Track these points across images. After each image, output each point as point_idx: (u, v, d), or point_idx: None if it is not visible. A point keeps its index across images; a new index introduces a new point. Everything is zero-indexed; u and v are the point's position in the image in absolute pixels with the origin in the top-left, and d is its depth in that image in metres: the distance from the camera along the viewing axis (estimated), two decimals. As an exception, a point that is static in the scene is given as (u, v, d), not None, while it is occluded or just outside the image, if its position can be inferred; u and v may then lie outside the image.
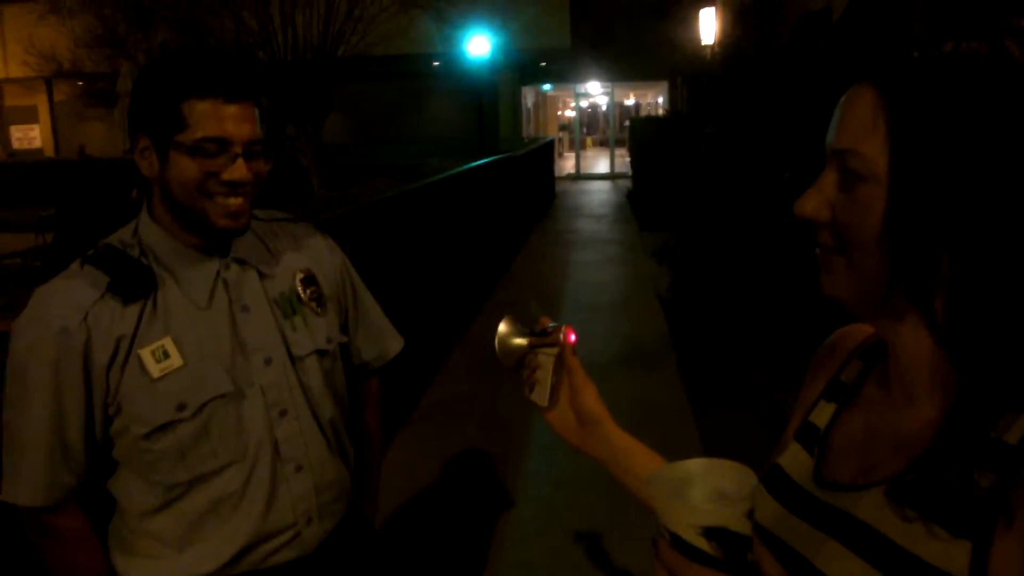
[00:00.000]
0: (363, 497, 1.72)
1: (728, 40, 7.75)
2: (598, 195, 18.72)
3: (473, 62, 15.53)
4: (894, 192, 0.69)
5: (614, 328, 6.71)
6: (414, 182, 6.02)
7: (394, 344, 1.75)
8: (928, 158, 0.67)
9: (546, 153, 17.39)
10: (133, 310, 1.31)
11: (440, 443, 4.37)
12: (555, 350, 1.02)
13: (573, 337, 1.03)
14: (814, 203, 0.75)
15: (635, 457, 1.02)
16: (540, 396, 1.04)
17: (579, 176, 23.94)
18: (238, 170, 1.29)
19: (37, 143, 23.54)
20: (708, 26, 9.55)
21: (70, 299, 1.29)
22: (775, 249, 4.98)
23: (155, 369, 1.30)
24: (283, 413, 1.41)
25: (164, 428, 1.31)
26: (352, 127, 18.61)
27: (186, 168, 1.28)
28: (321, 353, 1.48)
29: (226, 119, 1.28)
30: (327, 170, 10.53)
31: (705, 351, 5.65)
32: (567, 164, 26.29)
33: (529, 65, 20.88)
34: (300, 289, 1.48)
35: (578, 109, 26.94)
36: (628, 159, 16.35)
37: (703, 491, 0.73)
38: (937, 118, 0.67)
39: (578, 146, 26.24)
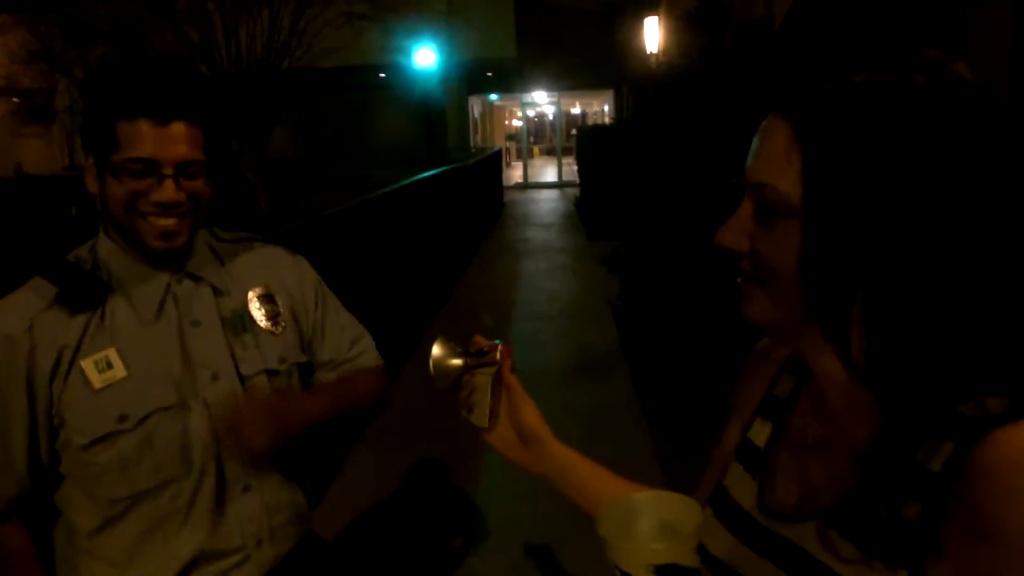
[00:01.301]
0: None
1: (672, 48, 7.85)
2: (546, 204, 18.81)
3: (420, 73, 15.52)
4: (808, 228, 0.69)
5: (565, 336, 6.73)
6: (362, 196, 5.98)
7: (366, 358, 1.68)
8: (841, 194, 0.66)
9: (494, 163, 17.44)
10: (79, 321, 1.31)
11: (397, 458, 4.33)
12: (492, 370, 1.00)
13: (509, 356, 1.01)
14: (733, 235, 0.75)
15: (579, 471, 1.02)
16: (479, 418, 1.02)
17: (527, 185, 24.03)
18: (166, 192, 1.28)
19: (-29, 161, 22.88)
20: (652, 34, 9.67)
21: (17, 309, 1.30)
22: (723, 255, 5.05)
23: (97, 380, 1.29)
24: (230, 431, 1.37)
25: (104, 439, 1.29)
26: (299, 140, 18.46)
27: (116, 188, 1.29)
28: (271, 373, 1.45)
29: (154, 140, 1.27)
30: (274, 184, 10.42)
31: (657, 358, 5.70)
32: (515, 173, 26.38)
33: (475, 75, 20.93)
34: (254, 308, 1.46)
35: (525, 118, 27.07)
36: (576, 167, 16.45)
37: (651, 525, 0.75)
38: (849, 154, 0.66)
39: (525, 155, 26.35)
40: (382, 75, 17.72)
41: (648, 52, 9.71)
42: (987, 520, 0.61)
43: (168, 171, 1.28)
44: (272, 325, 1.47)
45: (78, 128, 10.75)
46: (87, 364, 1.29)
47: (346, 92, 18.48)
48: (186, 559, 1.35)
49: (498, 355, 1.00)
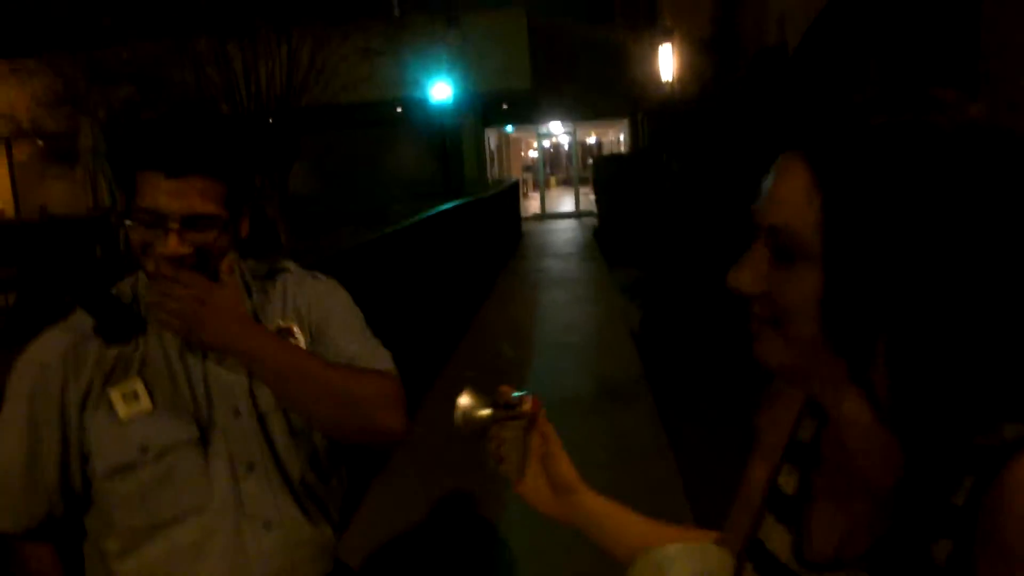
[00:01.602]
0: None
1: (687, 75, 7.89)
2: (564, 233, 18.85)
3: (436, 106, 15.69)
4: (830, 271, 0.68)
5: (587, 366, 6.71)
6: (380, 230, 6.02)
7: (380, 363, 1.56)
8: (864, 237, 0.65)
9: (512, 194, 17.53)
10: (112, 352, 1.35)
11: (418, 490, 4.31)
12: (522, 422, 0.99)
13: (537, 405, 0.99)
14: (748, 277, 0.74)
15: (613, 521, 1.01)
16: (510, 470, 1.00)
17: (545, 215, 24.11)
18: (169, 245, 1.29)
19: (-3, 204, 23.27)
20: (666, 62, 9.73)
21: (55, 339, 1.36)
22: (735, 299, 5.03)
23: (123, 410, 1.33)
24: (251, 467, 1.38)
25: (125, 470, 1.32)
26: (318, 176, 18.63)
27: (132, 233, 1.32)
28: (287, 410, 1.43)
29: (162, 193, 1.28)
30: (294, 220, 10.51)
31: (681, 386, 5.66)
32: (532, 204, 26.48)
33: (491, 107, 21.10)
34: None
35: (541, 149, 27.20)
36: (593, 197, 16.50)
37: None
38: (871, 197, 0.65)
39: (542, 186, 26.45)
40: (398, 109, 17.91)
41: (663, 80, 9.77)
42: (1012, 548, 0.60)
43: (173, 225, 1.29)
44: None
45: (101, 168, 10.91)
46: (115, 395, 1.33)
47: (363, 127, 18.67)
48: None
49: (528, 407, 0.98)
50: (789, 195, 0.70)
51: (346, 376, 1.41)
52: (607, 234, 13.68)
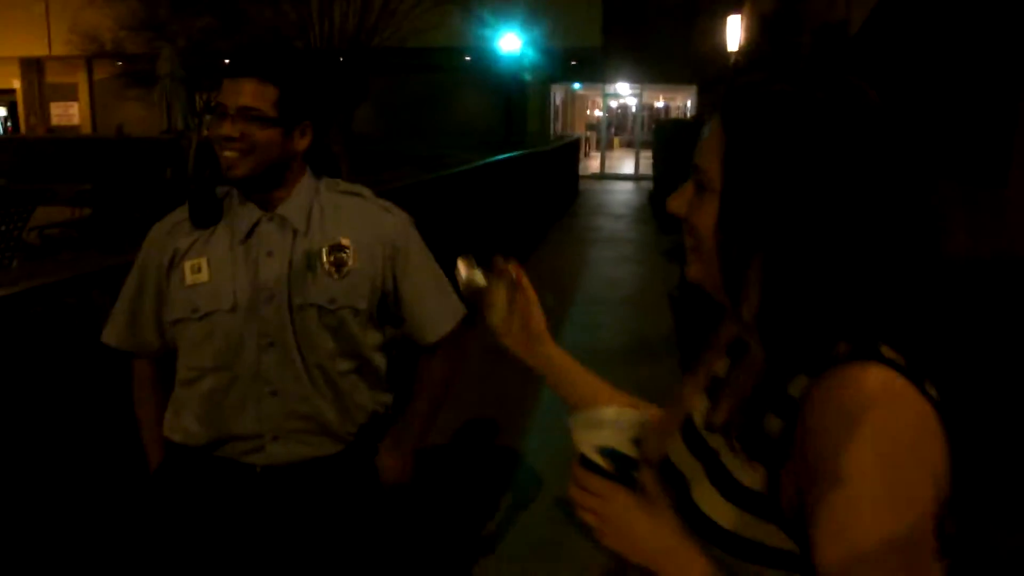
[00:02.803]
0: (392, 440, 1.92)
1: (751, 47, 7.92)
2: (621, 195, 18.87)
3: (503, 58, 15.74)
4: (723, 202, 0.89)
5: (622, 322, 6.94)
6: (437, 172, 6.26)
7: (443, 325, 1.89)
8: (748, 176, 0.86)
9: (571, 151, 17.58)
10: (195, 235, 1.75)
11: (447, 419, 4.59)
12: (506, 283, 1.25)
13: (517, 271, 1.24)
14: (676, 203, 0.97)
15: (572, 372, 1.27)
16: (495, 319, 1.26)
17: (604, 176, 24.08)
18: (225, 126, 1.64)
19: (76, 120, 24.06)
20: (734, 34, 9.72)
21: (164, 222, 1.81)
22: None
23: (189, 278, 1.72)
24: (271, 344, 1.70)
25: (181, 322, 1.73)
26: (383, 117, 18.89)
27: (208, 123, 1.73)
28: (322, 309, 1.72)
29: (226, 90, 1.66)
30: (357, 158, 10.82)
31: (706, 347, 5.85)
32: (593, 163, 26.41)
33: (559, 63, 21.05)
34: (324, 252, 1.74)
35: (606, 109, 27.03)
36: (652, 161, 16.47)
37: (606, 426, 0.97)
38: (757, 145, 0.86)
39: (604, 146, 26.35)
40: (467, 58, 18.00)
41: (728, 51, 9.78)
42: (811, 426, 0.82)
43: (230, 111, 1.65)
44: (335, 271, 1.73)
45: (176, 94, 11.32)
46: (187, 265, 1.72)
47: (430, 72, 18.83)
48: (219, 431, 1.74)
49: (509, 270, 1.24)
50: (707, 142, 0.92)
51: (433, 393, 2.01)
52: (662, 198, 13.68)
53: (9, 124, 24.27)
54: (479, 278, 1.26)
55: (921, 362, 0.84)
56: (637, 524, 0.89)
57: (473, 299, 1.27)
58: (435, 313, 1.89)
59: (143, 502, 1.89)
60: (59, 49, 20.41)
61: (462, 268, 1.26)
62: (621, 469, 0.91)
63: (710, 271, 0.94)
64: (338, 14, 10.23)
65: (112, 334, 1.85)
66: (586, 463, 0.92)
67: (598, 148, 27.54)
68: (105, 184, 10.56)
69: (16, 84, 24.14)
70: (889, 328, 0.85)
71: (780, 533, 0.86)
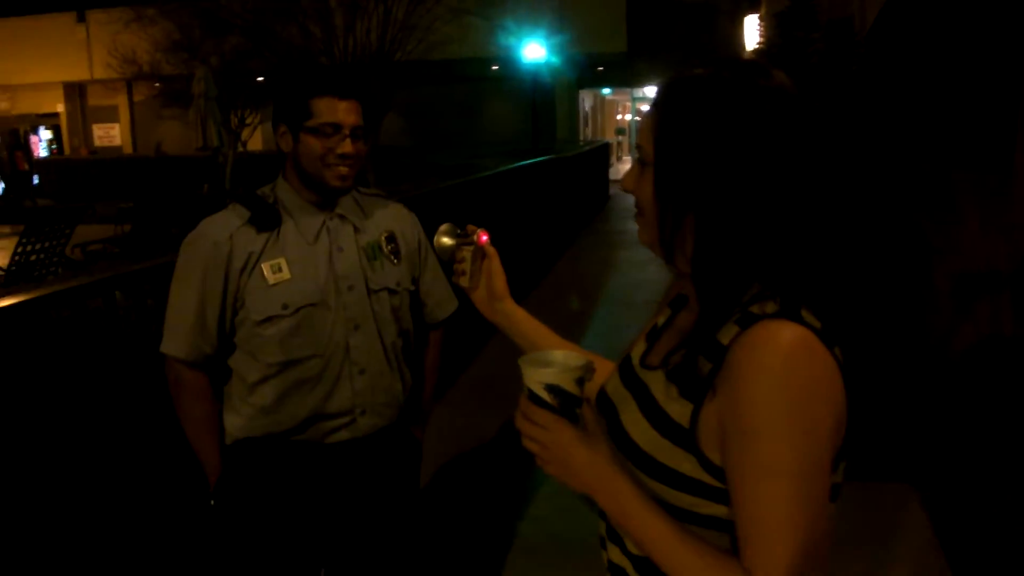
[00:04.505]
0: (415, 416, 2.19)
1: (765, 47, 7.98)
2: (651, 198, 18.75)
3: (529, 66, 15.82)
4: (655, 174, 1.03)
5: (643, 323, 7.01)
6: (463, 178, 6.35)
7: (450, 305, 2.22)
8: (672, 148, 1.00)
9: (601, 155, 17.63)
10: (263, 237, 1.87)
11: (472, 420, 4.75)
12: (472, 247, 1.41)
13: (485, 238, 1.41)
14: (627, 180, 1.11)
15: (525, 326, 1.43)
16: (463, 280, 1.43)
17: (635, 179, 23.95)
18: (347, 146, 1.85)
19: (117, 141, 24.65)
20: (751, 33, 9.77)
21: (222, 223, 1.88)
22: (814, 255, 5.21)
23: (271, 278, 1.85)
24: (357, 327, 1.92)
25: (271, 320, 1.85)
26: (410, 130, 19.04)
27: (312, 144, 1.85)
28: (391, 291, 1.98)
29: (338, 110, 1.84)
30: (383, 168, 11.03)
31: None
32: (623, 167, 26.36)
33: (586, 69, 21.09)
34: (383, 243, 2.01)
35: (635, 112, 27.01)
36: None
37: (554, 366, 1.09)
38: (677, 122, 1.00)
39: (633, 150, 26.23)
40: (494, 67, 18.10)
41: (746, 50, 9.83)
42: (733, 371, 0.96)
43: (347, 132, 1.85)
44: (394, 257, 2.01)
45: (211, 112, 11.63)
46: (265, 266, 1.85)
47: (456, 83, 18.96)
48: (311, 412, 1.90)
49: (475, 236, 1.41)
50: (644, 122, 1.06)
51: (433, 364, 2.26)
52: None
53: (55, 147, 24.95)
54: (447, 239, 1.43)
55: (833, 329, 0.98)
56: (576, 454, 1.01)
57: (443, 256, 1.45)
58: (445, 296, 2.21)
59: (225, 507, 1.96)
60: (100, 72, 20.95)
61: (441, 229, 1.44)
62: (564, 405, 1.02)
63: (652, 235, 1.07)
64: (361, 30, 10.47)
65: (177, 345, 1.88)
66: (533, 398, 1.04)
67: (628, 152, 27.50)
68: (145, 201, 10.88)
69: (60, 108, 24.81)
70: (810, 294, 0.99)
71: (694, 462, 0.99)
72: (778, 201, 0.99)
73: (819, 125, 1.04)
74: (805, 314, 0.97)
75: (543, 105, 17.71)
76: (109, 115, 24.62)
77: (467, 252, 1.43)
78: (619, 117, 34.48)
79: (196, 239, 1.89)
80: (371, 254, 1.97)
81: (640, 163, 1.08)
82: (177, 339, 1.89)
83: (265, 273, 1.84)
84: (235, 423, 1.94)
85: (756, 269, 1.01)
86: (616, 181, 21.46)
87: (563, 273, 9.50)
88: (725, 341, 0.97)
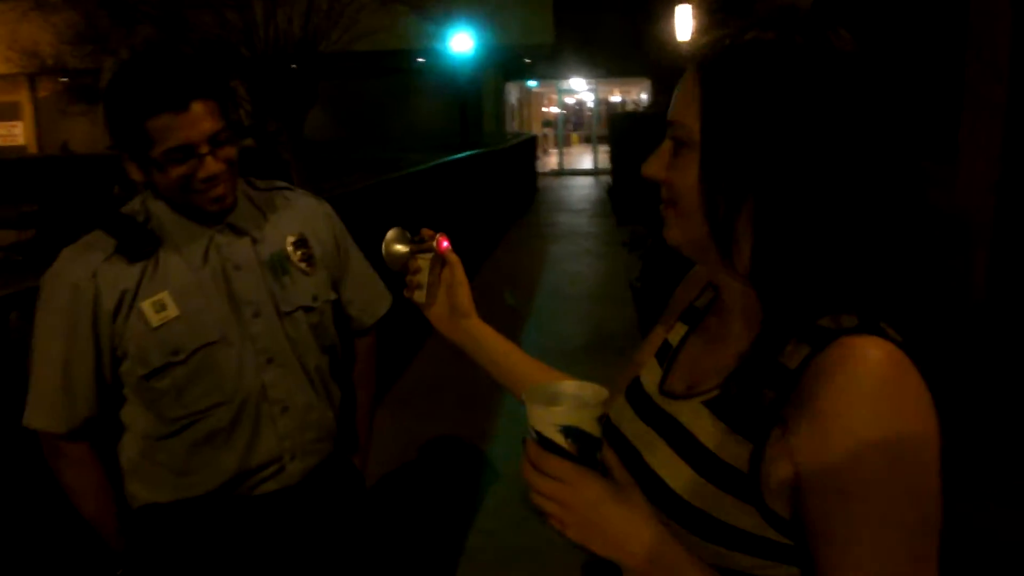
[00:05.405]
0: (352, 442, 1.88)
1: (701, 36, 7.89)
2: (580, 191, 18.90)
3: (456, 58, 15.65)
4: (704, 155, 0.83)
5: (586, 316, 6.87)
6: (391, 174, 6.15)
7: (382, 304, 1.91)
8: (727, 126, 0.81)
9: (527, 149, 17.55)
10: (136, 268, 1.50)
11: (415, 424, 4.51)
12: (430, 255, 1.17)
13: (446, 244, 1.17)
14: (653, 166, 0.90)
15: (492, 345, 1.20)
16: (420, 295, 1.19)
17: (562, 172, 24.12)
18: (209, 167, 1.46)
19: (20, 140, 23.50)
20: (684, 23, 9.70)
21: (83, 260, 1.49)
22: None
23: (154, 319, 1.49)
24: (270, 360, 1.57)
25: (161, 370, 1.50)
26: (335, 123, 18.72)
27: (164, 177, 1.46)
28: (307, 309, 1.64)
29: (183, 127, 1.42)
30: (309, 165, 10.65)
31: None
32: (551, 160, 26.46)
33: (513, 61, 21.02)
34: (291, 251, 1.64)
35: (562, 105, 27.10)
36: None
37: (565, 402, 0.87)
38: (735, 95, 0.81)
39: (561, 142, 26.39)
40: (420, 60, 17.87)
41: (679, 41, 9.76)
42: (816, 403, 0.75)
43: (204, 149, 1.44)
44: (307, 266, 1.65)
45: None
46: (146, 306, 1.48)
47: (382, 76, 18.71)
48: (232, 470, 1.56)
49: (435, 243, 1.16)
50: (681, 97, 0.87)
51: (370, 375, 1.98)
52: (619, 191, 13.72)
53: (-49, 147, 23.66)
54: (400, 246, 1.18)
55: (911, 340, 0.80)
56: (610, 515, 0.79)
57: (394, 267, 1.20)
58: (373, 297, 1.90)
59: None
60: (-1, 67, 19.96)
61: (389, 235, 1.19)
62: (584, 450, 0.81)
63: (691, 231, 0.88)
64: (283, 18, 10.06)
65: (44, 416, 1.53)
66: (544, 443, 0.81)
67: (556, 145, 27.60)
68: (51, 204, 10.31)
69: (-44, 106, 23.55)
70: (884, 302, 0.82)
71: (755, 515, 0.79)
72: (864, 185, 0.81)
73: (898, 95, 0.84)
74: (884, 326, 0.79)
75: (470, 98, 17.55)
76: (10, 112, 23.41)
77: (423, 261, 1.18)
78: (544, 110, 34.54)
79: (51, 281, 1.51)
80: (277, 268, 1.61)
81: (675, 144, 0.88)
82: (43, 409, 1.53)
83: (146, 314, 1.48)
84: (137, 486, 1.60)
85: (836, 270, 0.81)
86: (544, 174, 21.70)
87: (498, 267, 9.33)
88: (792, 364, 0.79)
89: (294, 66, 10.60)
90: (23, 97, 23.05)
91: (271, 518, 1.62)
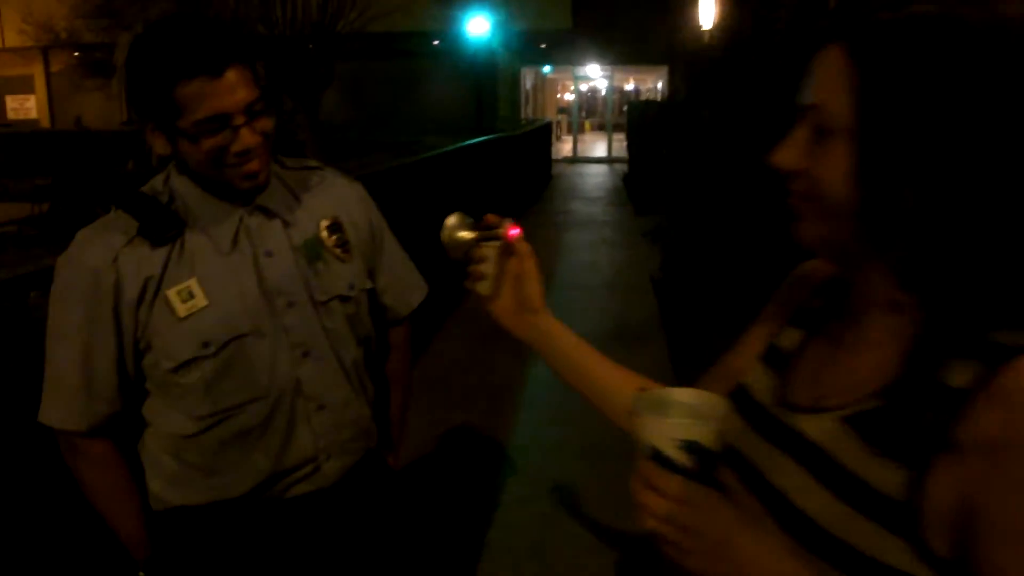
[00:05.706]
0: (386, 438, 1.77)
1: (726, 23, 7.77)
2: (594, 178, 18.74)
3: (472, 42, 15.52)
4: (862, 144, 0.74)
5: (604, 307, 6.77)
6: (409, 157, 6.08)
7: (418, 293, 1.80)
8: (895, 113, 0.72)
9: (543, 135, 17.38)
10: (161, 253, 1.37)
11: (432, 411, 4.43)
12: (499, 243, 1.06)
13: (516, 231, 1.06)
14: (790, 156, 0.80)
15: (564, 343, 1.10)
16: (484, 287, 1.08)
17: (576, 159, 23.97)
18: (244, 139, 1.32)
19: (33, 113, 23.48)
20: (707, 9, 9.56)
21: (102, 243, 1.36)
22: (765, 230, 5.04)
23: (181, 308, 1.36)
24: (306, 354, 1.46)
25: (189, 364, 1.38)
26: (351, 104, 18.59)
27: (194, 150, 1.32)
28: (343, 299, 1.52)
29: (218, 95, 1.29)
30: (324, 145, 10.56)
31: (694, 330, 5.71)
32: (565, 147, 26.30)
33: (529, 46, 20.86)
34: (325, 236, 1.51)
35: (577, 92, 26.95)
36: (626, 143, 16.36)
37: (680, 413, 0.79)
38: (904, 76, 0.72)
39: (576, 129, 26.23)
40: (436, 42, 17.75)
41: (702, 28, 9.61)
42: (998, 431, 0.66)
43: (239, 120, 1.31)
44: (342, 252, 1.53)
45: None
46: (171, 294, 1.36)
47: (399, 58, 18.56)
48: (265, 471, 1.45)
49: (502, 231, 1.05)
50: (827, 78, 0.77)
51: (405, 368, 1.88)
52: (636, 180, 13.60)
53: (-36, 120, 23.63)
54: (465, 232, 1.07)
55: None
56: (746, 547, 0.72)
57: (455, 255, 1.08)
58: (409, 285, 1.79)
59: None
60: (12, 40, 19.90)
61: (450, 219, 1.07)
62: (705, 469, 0.73)
63: (835, 229, 0.78)
64: (300, -3, 9.97)
65: (61, 413, 1.42)
66: (660, 459, 0.73)
67: (570, 132, 27.43)
68: (64, 178, 10.23)
69: (-31, 78, 23.50)
70: None
71: (908, 550, 0.71)
72: None
73: None
74: None
75: (486, 83, 17.41)
76: (24, 86, 23.38)
77: (490, 250, 1.06)
78: (559, 96, 34.35)
79: (68, 267, 1.38)
80: (311, 254, 1.49)
81: (817, 132, 0.77)
82: (59, 405, 1.42)
83: (173, 303, 1.36)
84: (163, 487, 1.49)
85: (1013, 273, 0.72)
86: (558, 161, 21.58)
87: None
88: (956, 382, 0.70)
89: (311, 46, 10.47)
90: (36, 71, 23.00)
91: (304, 522, 1.52)
